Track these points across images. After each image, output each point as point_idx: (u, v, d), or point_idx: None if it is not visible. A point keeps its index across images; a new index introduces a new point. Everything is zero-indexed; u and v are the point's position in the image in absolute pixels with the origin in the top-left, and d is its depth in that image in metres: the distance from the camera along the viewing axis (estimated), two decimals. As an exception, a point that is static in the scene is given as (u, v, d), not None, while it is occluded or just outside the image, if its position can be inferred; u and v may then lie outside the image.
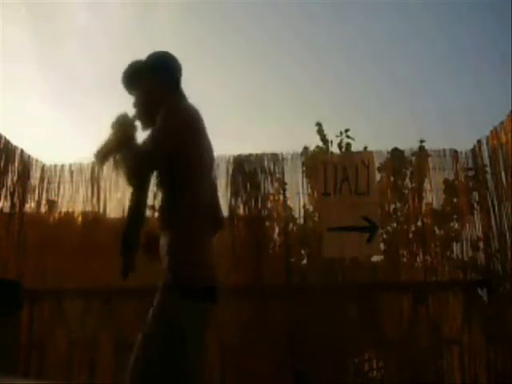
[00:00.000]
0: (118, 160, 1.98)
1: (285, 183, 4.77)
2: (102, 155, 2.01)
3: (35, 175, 5.08)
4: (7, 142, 4.77)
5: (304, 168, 4.78)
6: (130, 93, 2.07)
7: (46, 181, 5.10)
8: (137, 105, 2.05)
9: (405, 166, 4.68)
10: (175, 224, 1.87)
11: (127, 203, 2.02)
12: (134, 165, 1.87)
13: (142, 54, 2.09)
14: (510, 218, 4.10)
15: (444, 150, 4.68)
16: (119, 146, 1.94)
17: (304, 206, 4.73)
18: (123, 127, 1.96)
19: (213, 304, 1.88)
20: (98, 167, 1.92)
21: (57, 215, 5.00)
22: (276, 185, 4.78)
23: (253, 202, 4.73)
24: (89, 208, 4.93)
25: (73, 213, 4.98)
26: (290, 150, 4.84)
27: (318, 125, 5.06)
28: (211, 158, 2.08)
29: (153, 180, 1.99)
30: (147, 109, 2.00)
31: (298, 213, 4.72)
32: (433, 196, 4.63)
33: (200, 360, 1.84)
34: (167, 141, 1.86)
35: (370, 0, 7.86)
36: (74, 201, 5.00)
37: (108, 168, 4.91)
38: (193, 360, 1.78)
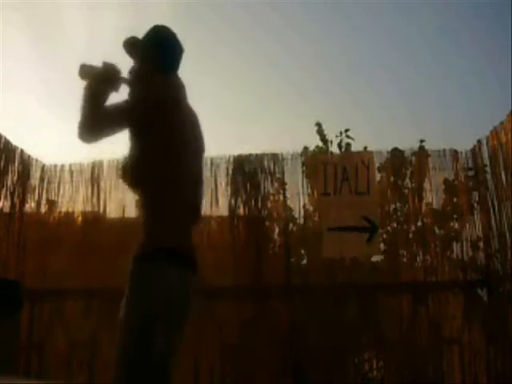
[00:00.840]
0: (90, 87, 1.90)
1: (285, 183, 4.77)
2: (85, 71, 1.95)
3: (35, 175, 5.08)
4: (7, 142, 4.77)
5: (304, 168, 4.78)
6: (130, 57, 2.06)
7: (45, 181, 5.10)
8: (130, 73, 2.03)
9: (405, 166, 4.68)
10: (146, 189, 1.81)
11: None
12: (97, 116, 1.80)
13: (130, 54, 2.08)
14: (510, 218, 4.10)
15: (444, 150, 4.68)
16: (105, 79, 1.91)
17: (304, 206, 4.73)
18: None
19: (188, 272, 1.77)
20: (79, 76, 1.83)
21: (57, 215, 5.01)
22: (276, 185, 4.78)
23: (253, 202, 4.73)
24: (89, 208, 4.93)
25: (73, 213, 4.98)
26: (290, 150, 4.85)
27: (318, 125, 5.06)
28: (198, 143, 2.03)
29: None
30: (138, 80, 1.99)
31: (298, 213, 4.72)
32: (433, 196, 4.63)
33: (179, 327, 1.77)
34: (149, 96, 1.84)
35: (371, 0, 7.86)
36: (73, 201, 5.00)
37: (108, 167, 4.93)
38: (173, 326, 1.72)
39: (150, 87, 1.90)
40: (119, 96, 1.97)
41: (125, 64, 2.05)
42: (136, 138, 1.87)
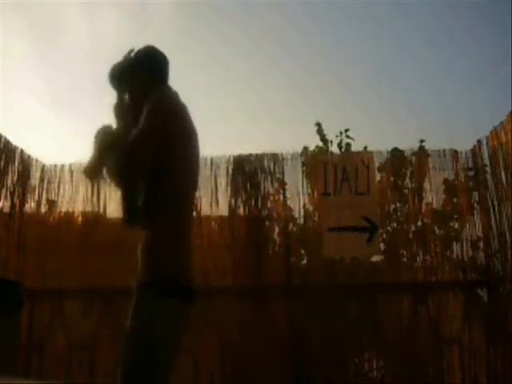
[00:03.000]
0: (108, 168, 1.95)
1: (285, 183, 4.77)
2: (91, 169, 2.02)
3: (35, 175, 5.08)
4: (7, 142, 4.77)
5: (304, 168, 4.78)
6: (117, 90, 2.06)
7: (45, 181, 5.10)
8: (119, 105, 2.04)
9: (405, 166, 4.68)
10: (155, 223, 1.84)
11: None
12: (123, 159, 1.81)
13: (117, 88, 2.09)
14: (510, 218, 4.10)
15: (444, 150, 4.68)
16: (103, 154, 1.94)
17: (304, 206, 4.73)
18: (103, 137, 1.97)
19: (187, 304, 1.83)
20: (91, 182, 1.90)
21: (57, 215, 5.01)
22: (276, 185, 4.78)
23: (253, 202, 4.73)
24: (89, 208, 4.93)
25: (73, 213, 4.98)
26: (290, 150, 4.85)
27: (318, 125, 5.06)
28: (197, 163, 2.04)
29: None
30: (134, 106, 1.99)
31: (298, 213, 4.72)
32: (433, 196, 4.63)
33: (172, 358, 1.81)
34: (156, 131, 1.82)
35: (371, 0, 7.86)
36: (74, 201, 5.00)
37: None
38: (167, 358, 1.77)
39: (158, 118, 1.87)
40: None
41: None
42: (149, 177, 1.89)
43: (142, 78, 2.03)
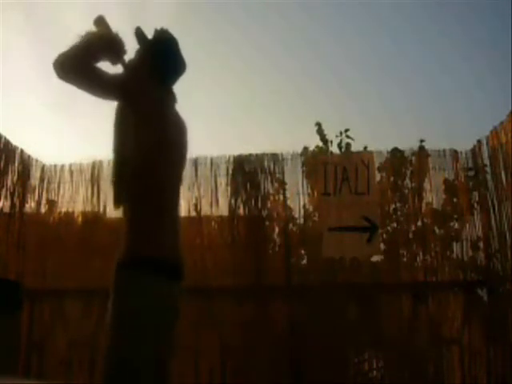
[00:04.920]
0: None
1: (285, 183, 4.77)
2: (102, 22, 1.95)
3: (35, 175, 5.08)
4: (7, 142, 4.77)
5: (304, 168, 4.78)
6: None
7: (45, 181, 5.10)
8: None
9: (405, 165, 4.68)
10: (137, 201, 1.81)
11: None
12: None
13: (136, 42, 2.07)
14: (510, 218, 4.10)
15: (444, 150, 4.68)
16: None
17: (304, 206, 4.73)
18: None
19: (173, 282, 1.78)
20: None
21: (57, 215, 5.01)
22: (276, 185, 4.78)
23: (253, 202, 4.73)
24: (89, 208, 4.93)
25: (73, 213, 4.98)
26: (290, 150, 4.85)
27: (318, 125, 5.06)
28: (180, 150, 2.03)
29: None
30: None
31: (298, 213, 4.72)
32: (433, 196, 4.63)
33: (160, 340, 1.74)
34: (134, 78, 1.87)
35: (371, 0, 7.86)
36: (74, 201, 5.00)
37: (108, 167, 4.93)
38: (151, 338, 1.70)
39: (140, 76, 1.92)
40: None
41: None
42: (117, 131, 1.88)
43: (154, 65, 1.98)
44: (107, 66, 1.94)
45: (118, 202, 1.91)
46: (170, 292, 1.78)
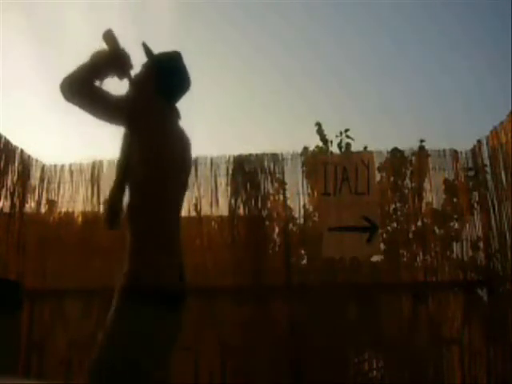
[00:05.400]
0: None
1: (285, 183, 4.77)
2: (111, 37, 1.95)
3: (35, 175, 5.08)
4: (7, 142, 4.77)
5: (304, 168, 4.78)
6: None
7: (45, 181, 5.10)
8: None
9: (405, 165, 4.68)
10: (136, 223, 1.81)
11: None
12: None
13: (142, 55, 2.06)
14: (510, 218, 4.11)
15: (444, 150, 4.68)
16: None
17: (304, 206, 4.73)
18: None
19: (173, 310, 1.79)
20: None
21: (57, 215, 5.01)
22: (276, 185, 4.78)
23: (253, 202, 4.74)
24: (89, 208, 4.93)
25: (73, 213, 4.98)
26: (290, 150, 4.85)
27: (318, 125, 5.06)
28: (183, 162, 2.03)
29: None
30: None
31: (298, 213, 4.72)
32: (433, 196, 4.63)
33: (160, 365, 1.76)
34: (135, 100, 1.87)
35: (371, 0, 7.86)
36: (74, 201, 5.00)
37: (108, 167, 4.93)
38: (151, 364, 1.72)
39: (144, 95, 1.94)
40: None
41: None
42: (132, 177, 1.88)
43: (159, 82, 1.99)
44: (114, 81, 1.96)
45: (110, 225, 1.93)
46: (169, 319, 1.78)
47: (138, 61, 2.05)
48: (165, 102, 1.99)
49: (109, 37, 1.95)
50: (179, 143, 1.99)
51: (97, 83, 1.84)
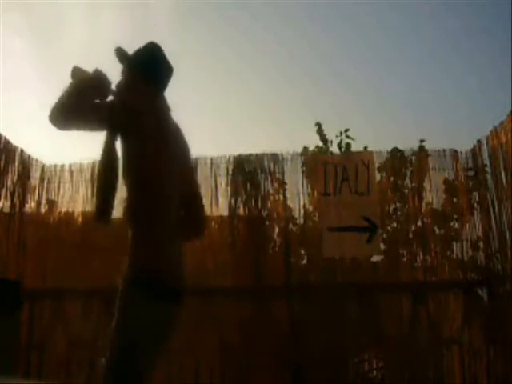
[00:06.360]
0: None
1: (285, 183, 4.77)
2: (78, 74, 1.95)
3: (35, 175, 5.08)
4: (7, 142, 4.77)
5: (304, 168, 4.78)
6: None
7: (45, 181, 5.10)
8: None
9: (405, 165, 4.68)
10: (137, 220, 1.84)
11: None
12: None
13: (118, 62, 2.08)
14: (510, 218, 4.10)
15: (444, 150, 4.68)
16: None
17: (304, 206, 4.73)
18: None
19: (172, 303, 1.84)
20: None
21: (57, 215, 5.01)
22: (276, 185, 4.78)
23: (253, 202, 4.74)
24: (89, 208, 4.93)
25: (73, 213, 4.98)
26: (290, 150, 4.85)
27: (318, 125, 5.05)
28: (183, 160, 2.06)
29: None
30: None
31: (298, 213, 4.72)
32: (433, 196, 4.63)
33: (155, 355, 1.83)
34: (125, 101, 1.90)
35: (370, 0, 7.86)
36: (74, 201, 5.00)
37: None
38: (149, 353, 1.79)
39: (131, 96, 1.96)
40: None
41: (118, 69, 2.07)
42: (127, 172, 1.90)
43: (143, 73, 2.02)
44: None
45: (99, 219, 1.95)
46: (167, 312, 1.83)
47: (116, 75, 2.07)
48: (154, 95, 2.02)
49: (76, 73, 1.96)
50: (175, 136, 2.03)
51: (82, 106, 1.86)
